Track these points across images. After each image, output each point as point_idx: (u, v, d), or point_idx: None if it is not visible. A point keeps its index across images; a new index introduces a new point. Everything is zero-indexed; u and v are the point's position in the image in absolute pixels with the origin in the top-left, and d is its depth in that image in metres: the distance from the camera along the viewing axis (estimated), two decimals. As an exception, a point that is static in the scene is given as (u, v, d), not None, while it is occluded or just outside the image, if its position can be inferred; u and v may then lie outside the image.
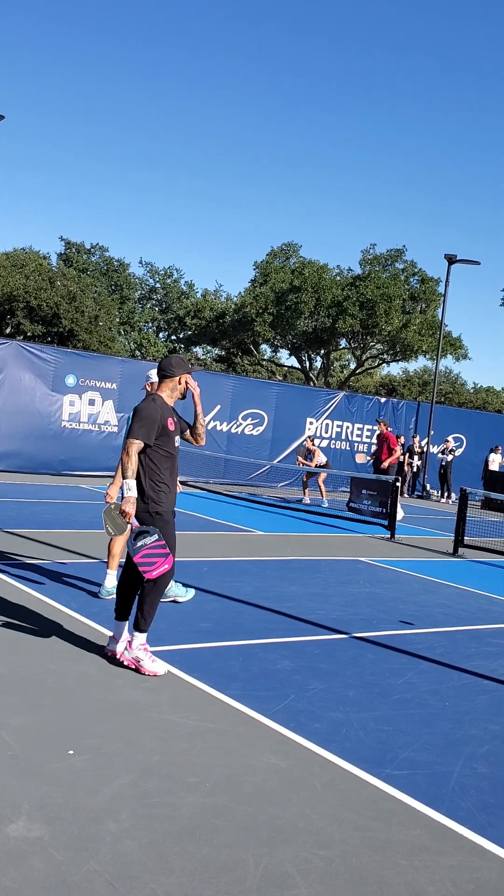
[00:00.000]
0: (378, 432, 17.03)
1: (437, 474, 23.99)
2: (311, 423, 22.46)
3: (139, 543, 5.34)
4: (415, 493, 23.85)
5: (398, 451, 16.88)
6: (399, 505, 16.48)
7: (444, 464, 23.60)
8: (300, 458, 18.54)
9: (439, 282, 36.28)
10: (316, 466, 18.20)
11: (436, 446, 24.63)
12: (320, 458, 18.40)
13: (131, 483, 5.38)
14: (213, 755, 4.27)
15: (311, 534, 13.57)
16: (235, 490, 19.35)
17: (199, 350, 49.27)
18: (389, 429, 17.46)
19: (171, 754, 4.22)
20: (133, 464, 5.40)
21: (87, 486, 16.82)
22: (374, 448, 18.52)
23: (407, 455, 23.60)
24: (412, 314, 36.50)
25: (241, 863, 3.28)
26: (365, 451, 22.39)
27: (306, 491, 18.72)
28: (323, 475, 18.56)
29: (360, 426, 23.58)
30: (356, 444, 23.44)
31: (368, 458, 18.80)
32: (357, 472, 21.42)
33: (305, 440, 19.14)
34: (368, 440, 23.81)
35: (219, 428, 20.93)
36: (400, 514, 16.31)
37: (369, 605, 8.30)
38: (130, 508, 5.39)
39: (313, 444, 18.63)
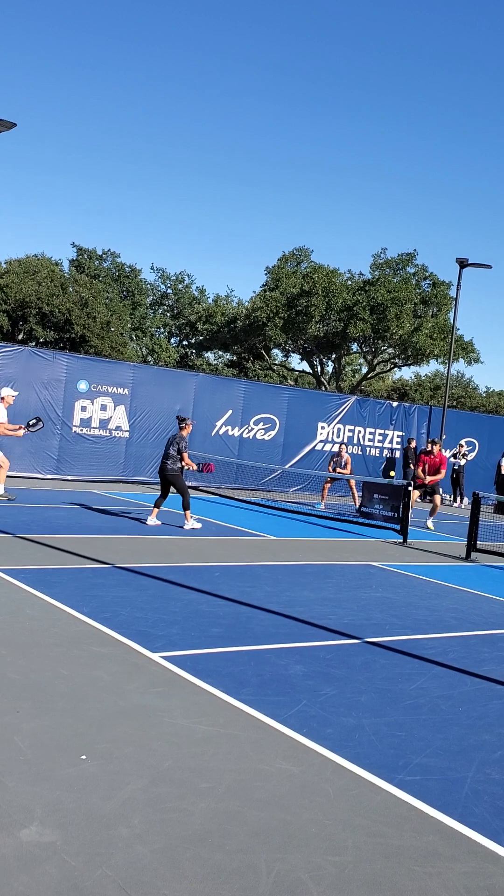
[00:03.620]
0: (430, 449, 16.49)
1: (449, 478, 23.92)
2: (322, 427, 22.45)
3: None
4: (426, 498, 23.77)
5: (443, 474, 16.62)
6: (430, 519, 16.56)
7: (456, 468, 23.53)
8: (337, 468, 18.53)
9: (451, 285, 36.21)
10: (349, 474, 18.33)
11: (448, 451, 24.56)
12: (350, 467, 18.63)
13: None
14: (225, 760, 4.27)
15: (323, 538, 13.55)
16: (247, 495, 19.35)
17: (210, 355, 49.35)
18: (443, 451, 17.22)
19: (182, 759, 4.22)
20: None
21: (99, 492, 16.85)
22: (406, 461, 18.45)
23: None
24: (424, 318, 36.43)
25: (253, 868, 3.27)
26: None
27: (325, 497, 18.72)
28: (352, 480, 18.62)
29: (372, 430, 23.55)
30: (367, 449, 23.40)
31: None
32: (368, 476, 21.43)
33: (340, 446, 19.18)
34: (380, 444, 23.77)
35: (230, 433, 20.94)
36: (430, 524, 16.41)
37: (381, 610, 8.28)
38: None
39: (346, 452, 18.78)
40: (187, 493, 12.59)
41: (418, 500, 17.03)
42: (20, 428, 13.93)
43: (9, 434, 13.94)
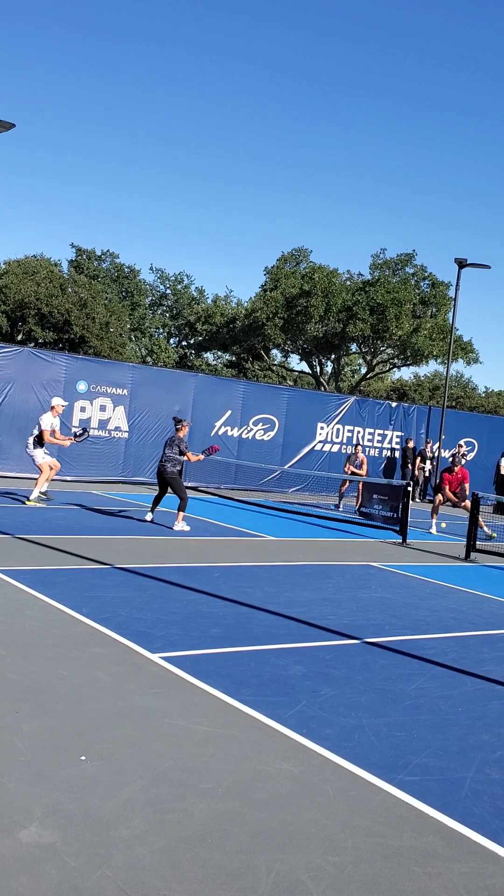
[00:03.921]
0: (451, 467, 16.26)
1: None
2: (321, 427, 22.47)
3: None
4: (426, 498, 23.80)
5: (468, 488, 16.41)
6: (483, 523, 15.87)
7: (455, 468, 23.53)
8: (351, 468, 18.53)
9: (450, 286, 36.21)
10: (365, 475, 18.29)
11: (447, 451, 24.55)
12: (366, 468, 18.63)
13: None
14: (225, 761, 4.26)
15: (322, 539, 13.55)
16: (246, 495, 19.34)
17: (209, 356, 49.35)
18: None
19: (182, 760, 4.22)
20: None
21: (98, 493, 16.84)
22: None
23: (419, 460, 23.55)
24: (423, 318, 36.43)
25: (253, 869, 3.27)
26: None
27: (342, 500, 18.83)
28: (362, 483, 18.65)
29: (371, 430, 23.56)
30: (367, 449, 23.41)
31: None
32: (367, 476, 21.42)
33: (356, 447, 19.31)
34: (379, 444, 23.78)
35: (230, 433, 20.94)
36: (488, 531, 15.70)
37: (381, 611, 8.28)
38: None
39: (362, 453, 18.85)
40: (185, 497, 12.70)
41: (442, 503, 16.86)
42: (67, 439, 14.62)
43: (56, 443, 14.44)
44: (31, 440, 14.26)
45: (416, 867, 3.41)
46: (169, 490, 12.86)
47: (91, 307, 37.31)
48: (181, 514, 12.57)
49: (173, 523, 12.64)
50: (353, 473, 18.52)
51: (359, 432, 23.28)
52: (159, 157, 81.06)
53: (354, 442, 22.24)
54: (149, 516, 12.93)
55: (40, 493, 14.13)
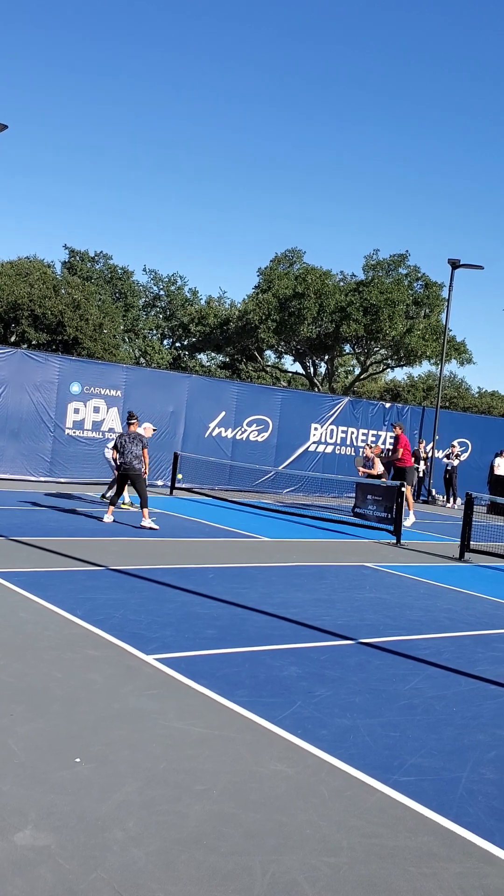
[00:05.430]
0: (395, 434, 16.75)
1: (442, 479, 23.96)
2: (315, 428, 22.48)
3: None
4: (420, 498, 23.83)
5: (399, 453, 16.58)
6: (410, 516, 16.10)
7: (449, 468, 23.57)
8: (361, 469, 18.39)
9: (443, 286, 36.27)
10: (377, 476, 17.84)
11: (441, 451, 24.60)
12: (379, 468, 18.12)
13: None
14: (220, 762, 4.26)
15: (316, 539, 13.55)
16: (240, 496, 19.34)
17: (203, 357, 49.33)
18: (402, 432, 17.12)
19: (177, 762, 4.21)
20: None
21: (92, 494, 16.81)
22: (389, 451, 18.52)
23: (412, 460, 23.58)
24: (416, 319, 36.46)
25: (248, 870, 3.27)
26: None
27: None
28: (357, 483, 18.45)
29: (365, 431, 23.58)
30: (361, 450, 23.44)
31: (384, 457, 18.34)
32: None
33: (364, 447, 19.19)
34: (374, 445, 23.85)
35: (223, 434, 20.93)
36: (407, 523, 15.96)
37: (375, 611, 8.29)
38: None
39: (372, 452, 18.56)
40: (146, 492, 12.70)
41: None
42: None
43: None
44: (110, 451, 14.74)
45: (411, 867, 3.41)
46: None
47: (84, 309, 37.25)
48: (146, 510, 12.54)
49: (140, 521, 12.55)
50: (369, 476, 18.19)
51: (352, 433, 23.30)
52: (154, 159, 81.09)
53: (366, 443, 22.27)
54: (108, 518, 12.74)
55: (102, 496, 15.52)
